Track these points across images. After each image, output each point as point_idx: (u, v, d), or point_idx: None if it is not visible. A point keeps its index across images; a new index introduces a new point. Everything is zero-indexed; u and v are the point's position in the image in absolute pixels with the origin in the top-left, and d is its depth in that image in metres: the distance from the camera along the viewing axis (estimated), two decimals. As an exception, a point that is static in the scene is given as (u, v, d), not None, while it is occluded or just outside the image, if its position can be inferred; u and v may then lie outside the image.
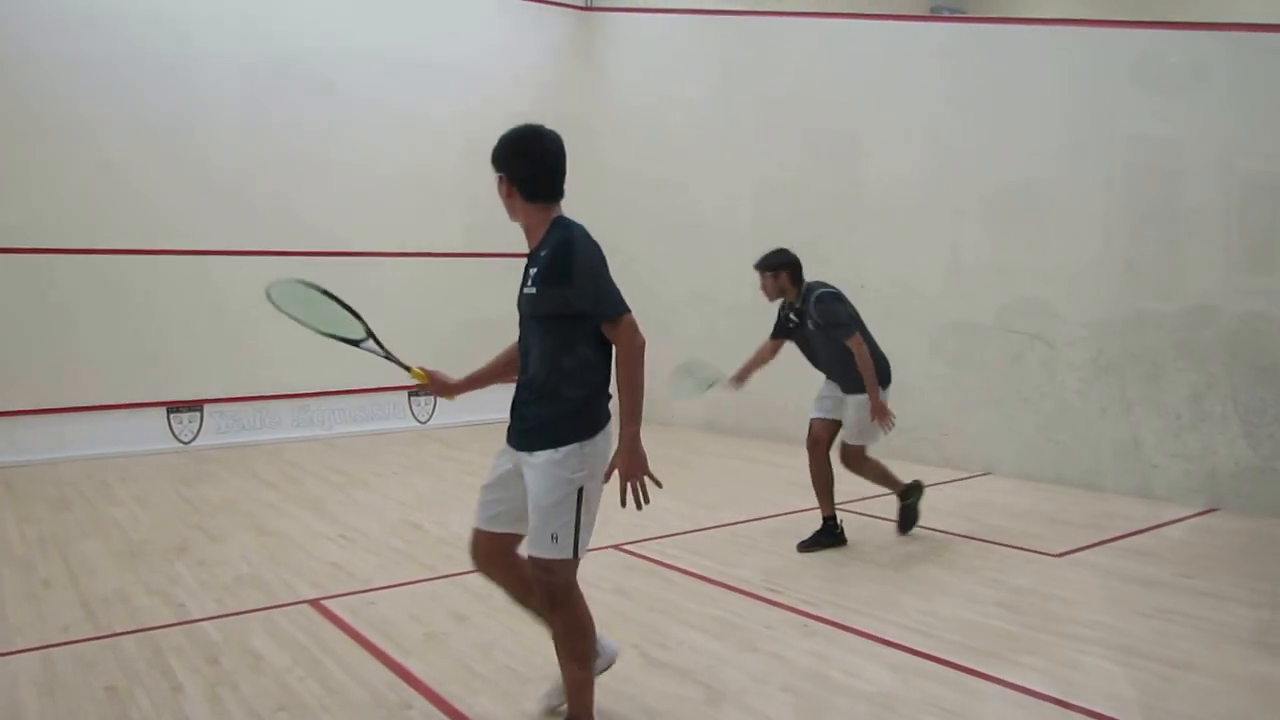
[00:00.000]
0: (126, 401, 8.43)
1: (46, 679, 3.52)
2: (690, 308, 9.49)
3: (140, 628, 4.05)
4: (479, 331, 10.18)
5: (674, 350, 9.61)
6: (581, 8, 10.98)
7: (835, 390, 5.27)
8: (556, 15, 10.82)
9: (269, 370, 9.05)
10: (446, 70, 10.06)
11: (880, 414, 5.05)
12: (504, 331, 11.86)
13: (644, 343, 2.78)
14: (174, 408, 8.68)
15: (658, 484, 2.80)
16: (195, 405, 8.76)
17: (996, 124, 7.09)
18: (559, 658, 2.91)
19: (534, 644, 3.77)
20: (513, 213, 3.04)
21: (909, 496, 5.45)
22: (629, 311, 2.80)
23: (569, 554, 2.77)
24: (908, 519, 5.44)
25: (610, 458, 2.83)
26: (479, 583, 4.59)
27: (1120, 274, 6.35)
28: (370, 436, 9.40)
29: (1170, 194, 6.14)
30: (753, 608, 4.22)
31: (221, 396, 8.85)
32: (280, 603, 4.36)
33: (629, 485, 2.75)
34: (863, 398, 5.09)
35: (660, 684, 3.40)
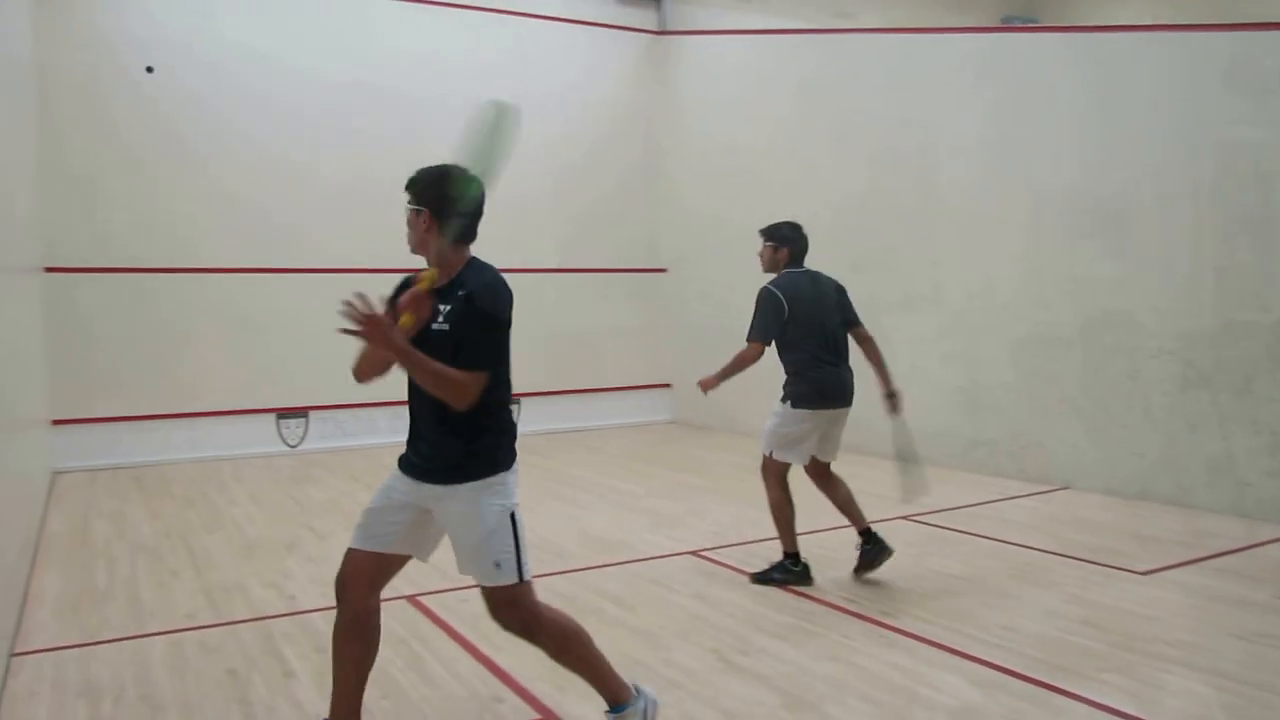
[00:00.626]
0: (241, 408, 9.04)
1: (175, 661, 3.85)
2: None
3: (256, 616, 4.38)
4: (567, 342, 10.56)
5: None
6: (655, 32, 11.22)
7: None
8: (630, 40, 11.12)
9: (367, 379, 9.53)
10: (533, 99, 10.40)
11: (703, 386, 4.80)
12: (589, 341, 12.31)
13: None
14: (283, 414, 9.23)
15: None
16: (302, 412, 9.29)
17: (1075, 133, 6.98)
18: (568, 668, 2.98)
19: (620, 645, 3.93)
20: (421, 246, 2.95)
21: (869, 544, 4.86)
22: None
23: (514, 578, 2.82)
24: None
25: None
26: (565, 585, 4.81)
27: (1210, 283, 6.19)
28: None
29: (1262, 200, 5.95)
30: (831, 617, 4.30)
31: (325, 404, 9.35)
32: (381, 598, 4.62)
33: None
34: (777, 405, 4.77)
35: (739, 688, 3.52)
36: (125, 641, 4.08)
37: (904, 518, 6.19)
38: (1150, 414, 6.54)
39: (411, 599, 4.60)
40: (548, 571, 5.05)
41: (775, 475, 4.79)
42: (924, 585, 4.77)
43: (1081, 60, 7.00)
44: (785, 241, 4.96)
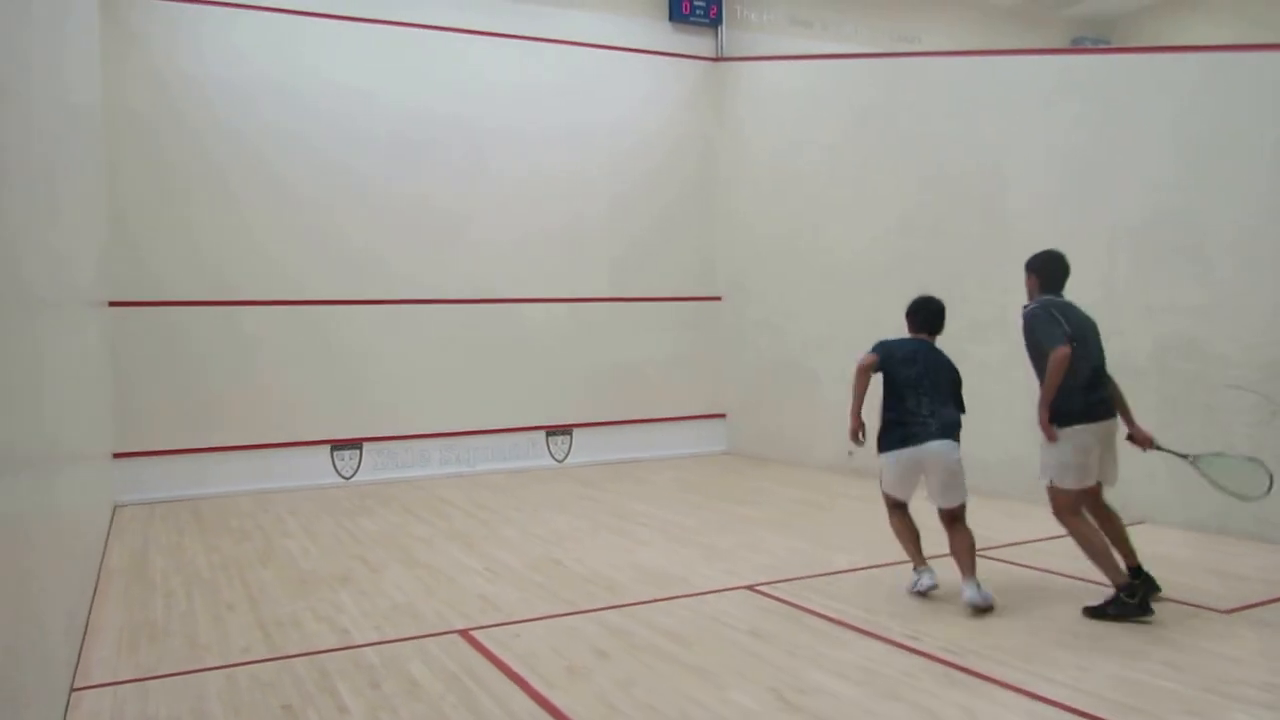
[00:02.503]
0: (296, 440, 9.14)
1: (231, 696, 3.85)
2: (823, 349, 9.44)
3: (310, 651, 4.37)
4: (621, 372, 10.56)
5: (808, 390, 9.62)
6: (712, 59, 11.24)
7: None
8: (688, 67, 11.13)
9: (420, 412, 9.60)
10: (589, 127, 10.51)
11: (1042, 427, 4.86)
12: (642, 371, 12.26)
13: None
14: (337, 446, 9.32)
15: None
16: (355, 444, 9.37)
17: (1151, 157, 6.80)
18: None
19: (673, 683, 3.86)
20: None
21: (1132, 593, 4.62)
22: None
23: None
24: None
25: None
26: (618, 619, 4.73)
27: (1291, 311, 5.95)
28: (510, 474, 9.76)
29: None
30: (893, 654, 4.16)
31: (379, 435, 9.43)
32: (433, 632, 4.60)
33: None
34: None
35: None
36: (182, 676, 4.10)
37: (967, 552, 6.00)
38: (1231, 447, 6.25)
39: (464, 633, 4.57)
40: (600, 606, 4.98)
41: (1066, 507, 4.78)
42: (992, 622, 4.60)
43: (1158, 82, 6.82)
44: (1034, 271, 5.09)
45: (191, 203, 8.87)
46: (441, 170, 9.77)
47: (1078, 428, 4.69)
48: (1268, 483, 4.67)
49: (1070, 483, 4.71)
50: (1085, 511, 4.78)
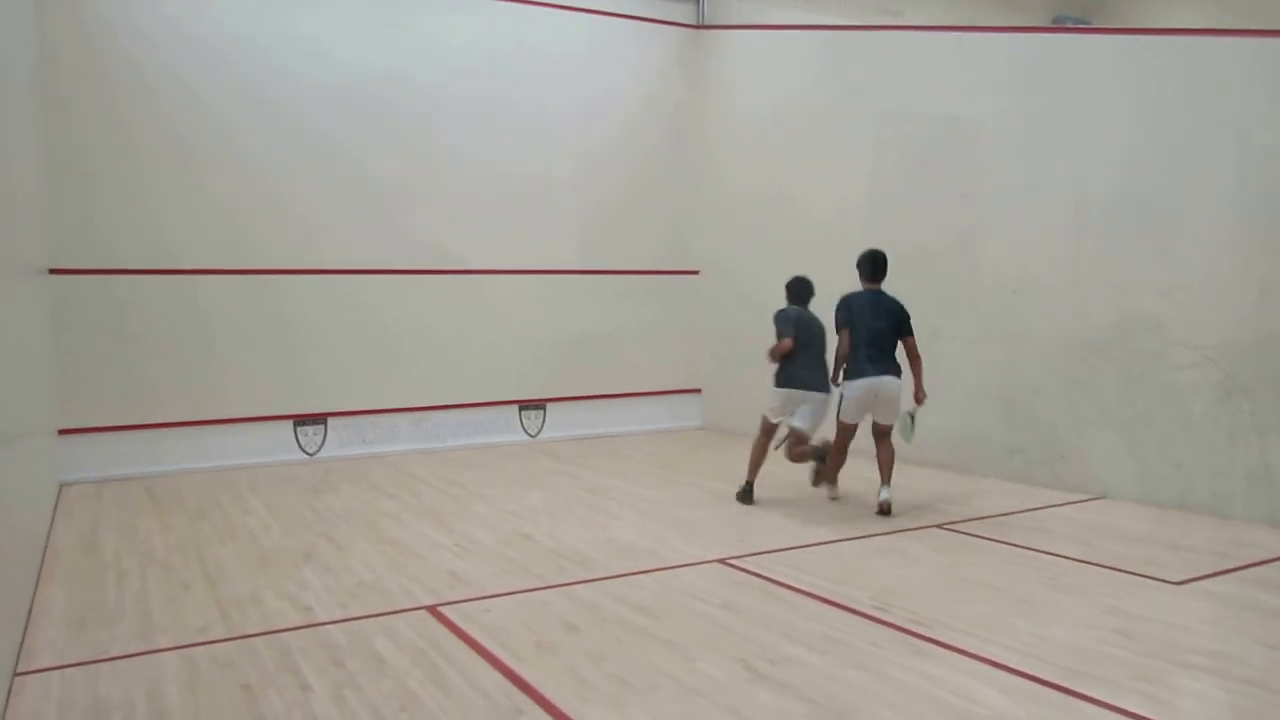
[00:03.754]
0: (257, 415, 8.96)
1: (188, 676, 3.78)
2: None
3: (271, 630, 4.31)
4: (594, 346, 10.50)
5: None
6: (693, 25, 11.11)
7: None
8: (669, 34, 10.96)
9: (388, 385, 9.47)
10: (562, 93, 10.33)
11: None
12: (616, 345, 12.20)
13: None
14: (300, 421, 9.17)
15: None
16: (320, 418, 9.23)
17: (1122, 137, 6.86)
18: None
19: (643, 655, 3.87)
20: None
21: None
22: None
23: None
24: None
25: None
26: (589, 594, 4.74)
27: (1253, 293, 6.04)
28: (482, 449, 9.70)
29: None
30: (860, 625, 4.20)
31: (344, 410, 9.30)
32: (400, 608, 4.57)
33: None
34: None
35: (765, 698, 3.43)
36: (135, 658, 4.01)
37: (937, 526, 6.09)
38: (1189, 423, 6.40)
39: (432, 609, 4.54)
40: (571, 580, 4.99)
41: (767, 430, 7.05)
42: (956, 594, 4.68)
43: (1131, 63, 6.86)
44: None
45: (142, 165, 8.50)
46: (408, 138, 9.53)
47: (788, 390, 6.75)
48: (910, 430, 6.56)
49: (774, 417, 6.82)
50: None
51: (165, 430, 8.59)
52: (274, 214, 9.04)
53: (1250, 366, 6.04)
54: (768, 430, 6.83)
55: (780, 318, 6.76)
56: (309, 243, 9.20)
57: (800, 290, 6.99)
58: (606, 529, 6.18)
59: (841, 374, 6.52)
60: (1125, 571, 4.99)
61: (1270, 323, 5.95)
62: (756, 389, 7.26)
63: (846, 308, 6.50)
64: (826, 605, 4.51)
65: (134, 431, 8.47)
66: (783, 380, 6.72)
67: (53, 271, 8.13)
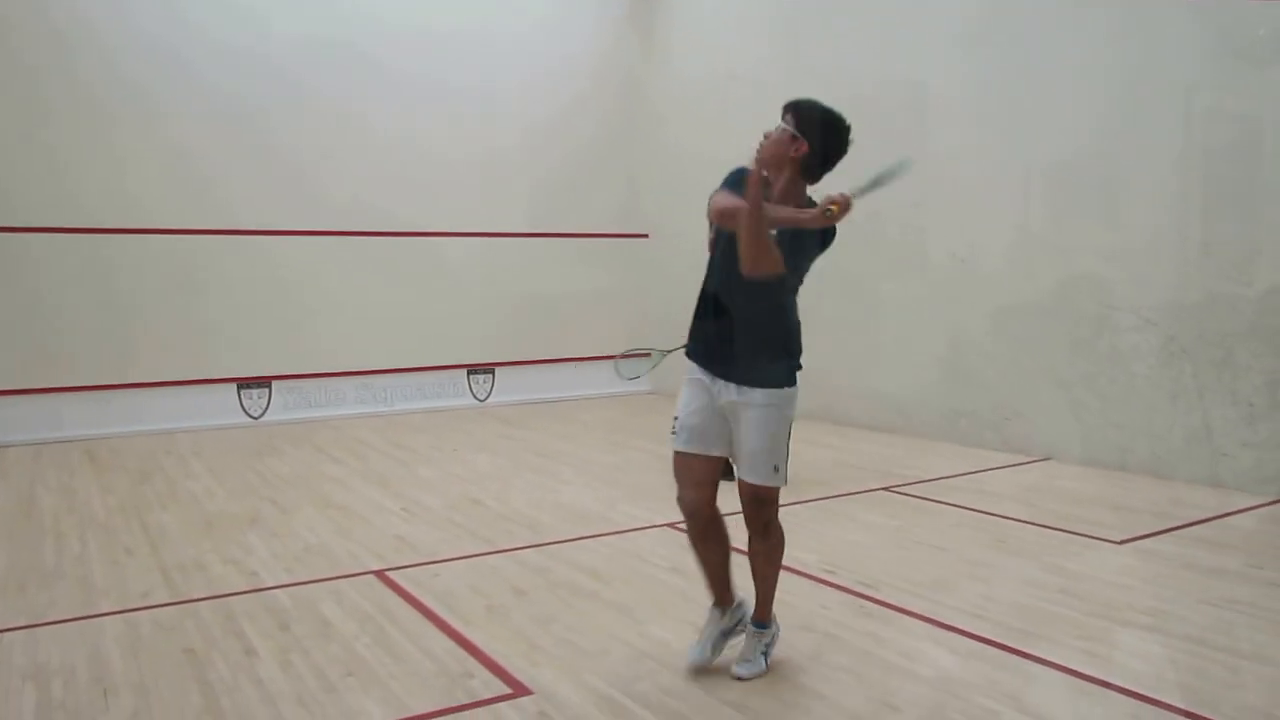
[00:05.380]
0: (199, 378, 8.74)
1: (130, 640, 3.69)
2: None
3: (216, 594, 4.22)
4: (539, 309, 10.41)
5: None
6: (640, -16, 10.93)
7: None
8: (619, -3, 10.80)
9: (334, 348, 9.30)
10: (506, 48, 10.13)
11: None
12: (565, 309, 12.10)
13: None
14: (244, 384, 8.97)
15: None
16: (264, 381, 9.04)
17: (1066, 97, 6.90)
18: (760, 572, 3.36)
19: (593, 619, 3.86)
20: (778, 167, 3.24)
21: None
22: None
23: (784, 482, 3.29)
24: None
25: None
26: (539, 558, 4.71)
27: (1194, 255, 6.15)
28: (430, 413, 9.59)
29: (1249, 173, 5.91)
30: (808, 588, 4.23)
31: (289, 373, 9.11)
32: (347, 573, 4.50)
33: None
34: None
35: (714, 660, 3.44)
36: (75, 622, 3.91)
37: (884, 488, 6.15)
38: (1132, 385, 6.53)
39: (379, 574, 4.48)
40: (521, 545, 4.95)
41: None
42: (903, 556, 4.73)
43: (1078, 24, 6.87)
44: None
45: (93, 121, 8.26)
46: (336, 98, 9.28)
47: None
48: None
49: None
50: None
51: (106, 392, 8.37)
52: (227, 172, 8.85)
53: (1192, 328, 6.17)
54: None
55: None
56: (260, 204, 8.98)
57: None
58: (556, 493, 6.15)
59: None
60: (1069, 532, 5.10)
61: (1211, 284, 6.06)
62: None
63: None
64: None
65: (71, 393, 8.25)
66: None
67: (10, 230, 7.89)
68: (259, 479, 6.64)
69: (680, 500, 3.30)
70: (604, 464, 7.11)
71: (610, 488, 6.27)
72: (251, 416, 8.96)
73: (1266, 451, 5.83)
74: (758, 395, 3.15)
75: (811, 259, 3.27)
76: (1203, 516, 5.38)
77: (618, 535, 5.13)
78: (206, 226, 8.76)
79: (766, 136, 3.24)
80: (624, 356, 6.69)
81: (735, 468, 3.30)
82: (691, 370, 3.32)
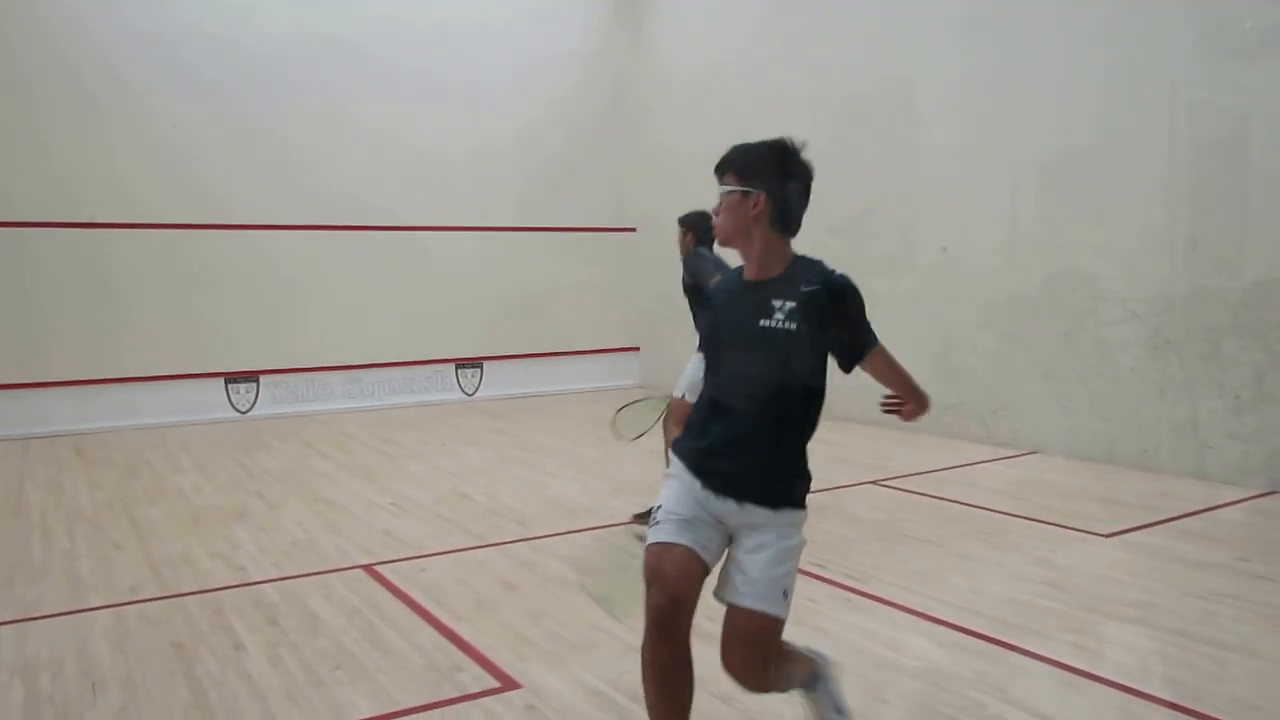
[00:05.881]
0: (187, 372, 8.70)
1: (118, 635, 3.68)
2: (737, 283, 9.47)
3: (204, 589, 4.21)
4: (527, 304, 10.38)
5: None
6: (631, -16, 10.92)
7: None
8: (603, -13, 10.78)
9: (322, 343, 9.27)
10: (495, 44, 10.11)
11: None
12: (553, 304, 12.06)
13: None
14: (232, 378, 8.93)
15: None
16: (252, 376, 9.00)
17: (1054, 94, 6.92)
18: (781, 689, 2.69)
19: (582, 613, 3.86)
20: (744, 237, 2.54)
21: None
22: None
23: (787, 612, 2.52)
24: None
25: None
26: (527, 552, 4.70)
27: (1182, 249, 6.18)
28: (419, 408, 9.57)
29: (1237, 167, 5.94)
30: (797, 581, 4.23)
31: (277, 368, 9.07)
32: (335, 567, 4.49)
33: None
34: None
35: (702, 652, 3.42)
36: (64, 616, 3.90)
37: (873, 482, 6.17)
38: (1118, 379, 6.56)
39: (368, 568, 4.47)
40: (509, 539, 4.95)
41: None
42: (891, 549, 4.75)
43: (1059, 19, 6.89)
44: (690, 225, 5.50)
45: (82, 116, 8.25)
46: (324, 94, 9.27)
47: None
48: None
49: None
50: None
51: (93, 387, 8.34)
52: (215, 170, 8.84)
53: (1179, 321, 6.19)
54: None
55: (703, 263, 5.31)
56: (247, 199, 8.94)
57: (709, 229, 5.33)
58: (544, 487, 6.15)
59: None
60: (1057, 525, 5.12)
61: (1198, 278, 6.09)
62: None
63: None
64: (766, 561, 4.53)
65: (59, 388, 8.20)
66: None
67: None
68: (246, 474, 6.61)
69: (653, 605, 2.44)
70: (591, 458, 7.11)
71: (598, 481, 6.28)
72: (239, 411, 8.92)
73: (1253, 444, 5.87)
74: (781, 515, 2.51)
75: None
76: (1190, 509, 5.42)
77: (606, 529, 5.13)
78: (194, 221, 8.73)
79: (715, 214, 2.59)
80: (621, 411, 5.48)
81: (725, 597, 2.54)
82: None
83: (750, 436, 2.49)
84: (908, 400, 2.69)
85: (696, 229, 5.43)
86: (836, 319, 2.47)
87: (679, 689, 2.51)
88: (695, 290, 5.22)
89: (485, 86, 10.05)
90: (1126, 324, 6.47)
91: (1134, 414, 6.47)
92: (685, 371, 5.16)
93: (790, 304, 2.46)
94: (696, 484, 2.52)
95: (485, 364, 10.21)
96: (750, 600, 2.45)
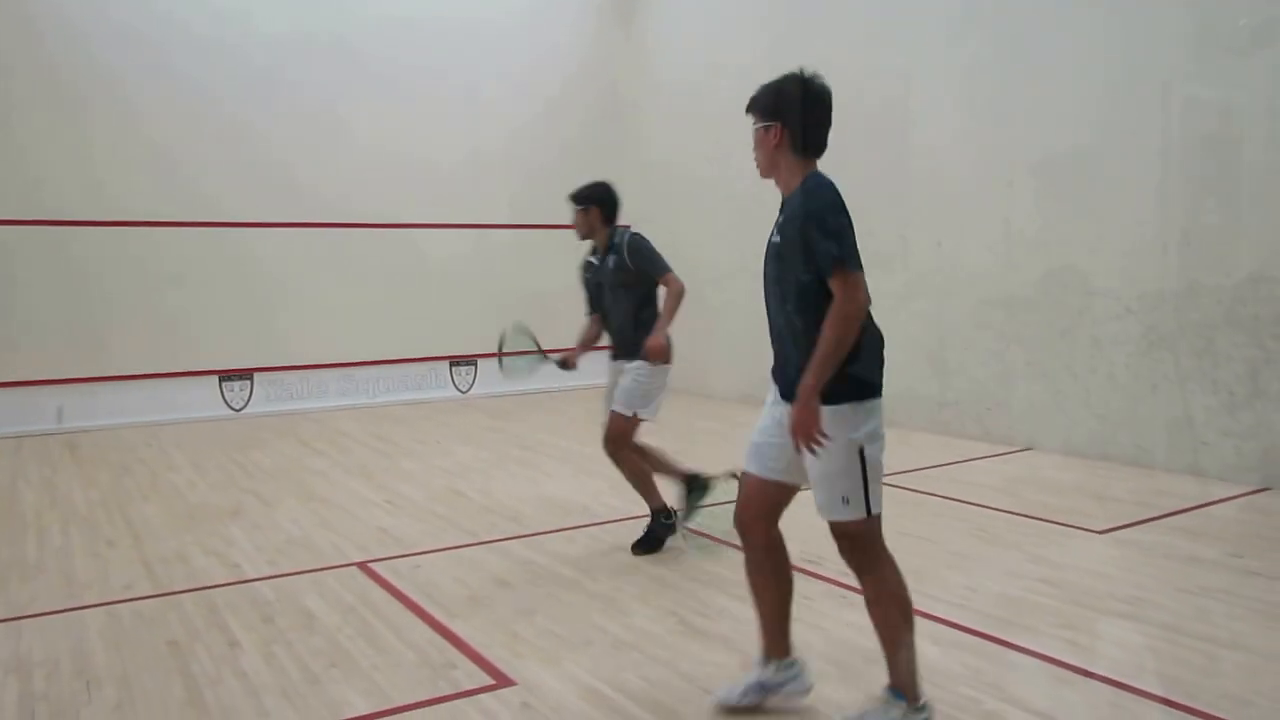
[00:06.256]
0: (181, 370, 8.69)
1: (112, 633, 3.68)
2: (732, 280, 9.47)
3: (198, 586, 4.21)
4: (525, 301, 10.36)
5: (714, 321, 9.65)
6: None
7: (620, 367, 4.79)
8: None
9: (316, 340, 9.26)
10: (489, 44, 10.11)
11: (657, 352, 4.54)
12: (547, 301, 12.06)
13: (864, 303, 2.73)
14: (226, 376, 8.92)
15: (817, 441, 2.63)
16: (246, 374, 8.99)
17: (1049, 91, 6.92)
18: (876, 627, 2.83)
19: (576, 610, 3.86)
20: (773, 166, 2.95)
21: (693, 489, 4.78)
22: (861, 270, 2.72)
23: (865, 514, 2.72)
24: (688, 509, 4.77)
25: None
26: (522, 549, 4.70)
27: (1175, 245, 6.20)
28: (413, 405, 9.56)
29: (1230, 163, 5.95)
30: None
31: (270, 365, 9.06)
32: (330, 565, 4.49)
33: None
34: (639, 364, 4.61)
35: (698, 650, 3.45)
36: (58, 615, 3.90)
37: (864, 479, 6.17)
38: (1113, 375, 6.57)
39: (362, 565, 4.47)
40: (504, 536, 4.95)
41: (628, 437, 4.65)
42: (888, 546, 4.74)
43: (1058, 18, 6.90)
44: (595, 200, 5.02)
45: (74, 115, 8.23)
46: (318, 92, 9.27)
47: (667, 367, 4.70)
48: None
49: (649, 414, 4.69)
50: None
51: (87, 385, 8.34)
52: (209, 166, 8.85)
53: (1172, 318, 6.21)
54: (632, 435, 4.73)
55: (648, 249, 4.96)
56: (243, 196, 8.94)
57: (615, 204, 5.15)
58: (539, 485, 6.15)
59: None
60: (1051, 522, 5.13)
61: (1192, 274, 6.11)
62: (686, 347, 7.25)
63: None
64: (761, 557, 4.53)
65: (52, 386, 8.17)
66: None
67: None
68: (241, 471, 6.60)
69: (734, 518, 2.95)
70: (586, 455, 7.10)
71: (593, 479, 6.27)
72: (233, 409, 8.91)
73: (1246, 440, 5.88)
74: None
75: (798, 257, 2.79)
76: (1183, 506, 5.43)
77: (601, 526, 5.14)
78: (189, 219, 8.72)
79: (754, 149, 2.98)
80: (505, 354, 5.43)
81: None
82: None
83: (779, 337, 2.86)
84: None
85: (604, 205, 4.96)
86: (803, 235, 2.78)
87: (767, 578, 2.96)
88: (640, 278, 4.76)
89: (480, 86, 10.05)
90: (1120, 321, 6.48)
91: (1128, 411, 6.48)
92: (627, 386, 4.73)
93: (782, 218, 2.87)
94: (770, 399, 2.90)
95: (479, 361, 10.21)
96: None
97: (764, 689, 2.95)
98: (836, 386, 2.63)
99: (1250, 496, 5.67)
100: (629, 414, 4.61)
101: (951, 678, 3.19)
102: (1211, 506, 5.45)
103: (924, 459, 6.77)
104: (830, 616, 3.77)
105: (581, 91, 10.74)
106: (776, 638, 2.97)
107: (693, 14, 10.27)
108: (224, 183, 8.87)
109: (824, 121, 2.91)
